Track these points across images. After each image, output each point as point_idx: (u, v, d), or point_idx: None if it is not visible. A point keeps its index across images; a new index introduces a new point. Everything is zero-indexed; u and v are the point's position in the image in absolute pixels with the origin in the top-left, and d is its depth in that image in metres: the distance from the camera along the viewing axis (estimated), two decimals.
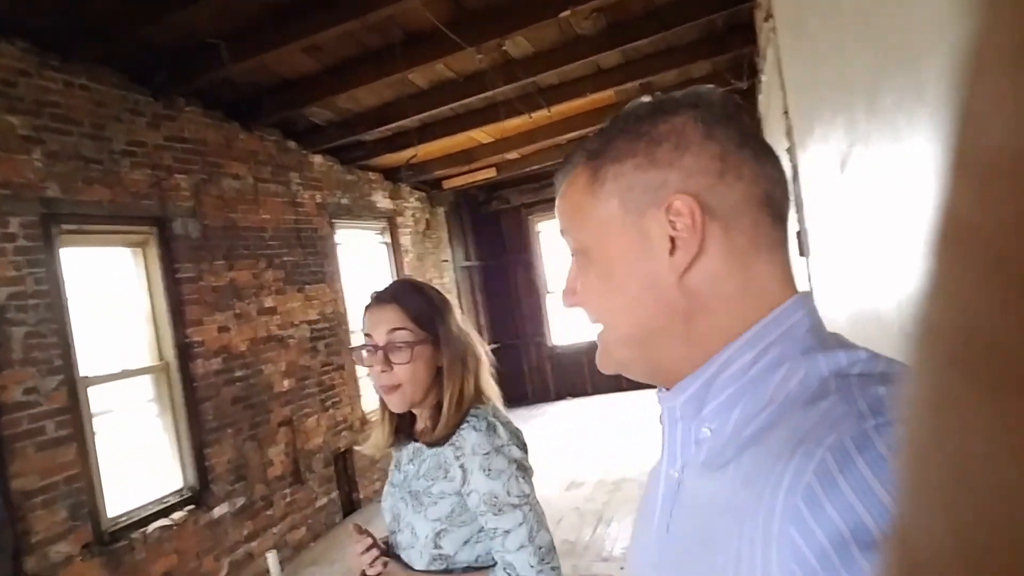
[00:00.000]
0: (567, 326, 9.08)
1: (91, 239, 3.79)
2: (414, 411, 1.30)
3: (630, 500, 4.65)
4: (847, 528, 0.38)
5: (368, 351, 1.25)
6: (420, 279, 1.51)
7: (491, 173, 7.49)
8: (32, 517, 3.17)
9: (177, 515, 3.91)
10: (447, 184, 7.66)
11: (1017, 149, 0.10)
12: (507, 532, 1.17)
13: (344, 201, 6.07)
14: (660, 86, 5.76)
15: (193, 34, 3.59)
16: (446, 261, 8.05)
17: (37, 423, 3.24)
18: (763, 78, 4.69)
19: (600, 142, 0.57)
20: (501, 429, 1.22)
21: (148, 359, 4.05)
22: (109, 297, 3.93)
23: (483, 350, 1.33)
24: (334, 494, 5.28)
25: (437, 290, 1.33)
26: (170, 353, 4.10)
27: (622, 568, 3.69)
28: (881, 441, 0.39)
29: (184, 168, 4.31)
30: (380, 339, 1.23)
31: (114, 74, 3.87)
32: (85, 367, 3.54)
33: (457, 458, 1.19)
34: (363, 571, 1.26)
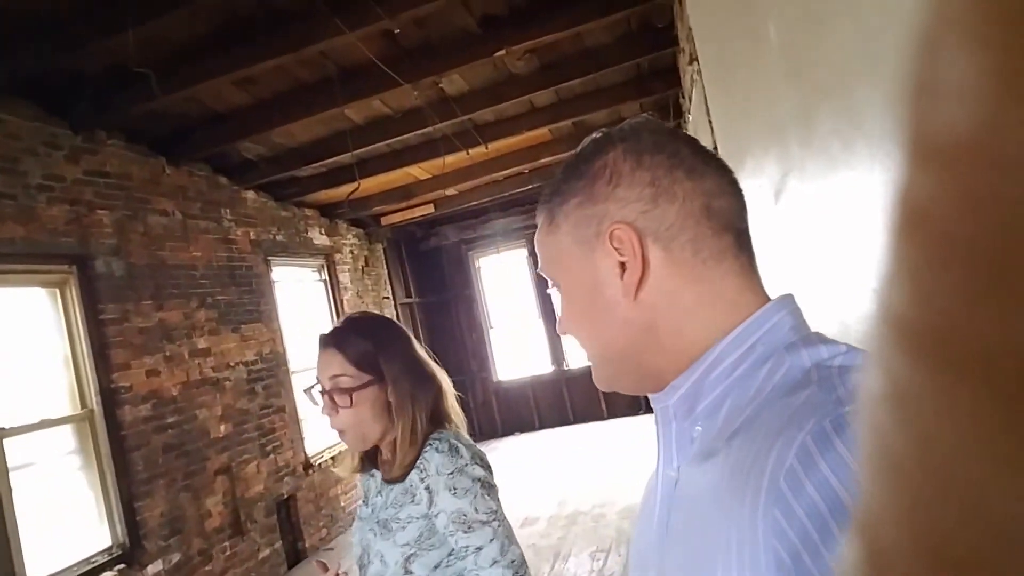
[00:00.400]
0: (511, 360, 9.08)
1: (5, 279, 3.54)
2: (378, 445, 1.31)
3: (586, 534, 4.63)
4: (826, 507, 0.39)
5: (320, 393, 1.27)
6: (374, 312, 1.52)
7: (429, 209, 7.52)
8: None
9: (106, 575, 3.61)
10: (385, 220, 7.63)
11: (976, 131, 0.10)
12: (479, 549, 1.18)
13: (280, 238, 5.93)
14: (592, 124, 5.98)
15: (117, 63, 3.47)
16: (387, 298, 7.95)
17: None
18: (689, 118, 4.94)
19: (552, 186, 0.64)
20: (463, 449, 1.24)
21: (69, 407, 3.78)
22: (25, 342, 3.66)
23: (443, 377, 1.35)
24: (278, 544, 5.00)
25: (388, 324, 1.35)
26: (94, 400, 3.83)
27: None
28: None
29: (107, 204, 4.12)
30: (325, 383, 1.25)
31: (29, 104, 3.69)
32: (0, 418, 3.27)
33: (422, 480, 1.20)
34: None
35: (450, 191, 7.05)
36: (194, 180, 4.95)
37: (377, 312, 7.01)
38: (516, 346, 9.10)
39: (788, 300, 0.57)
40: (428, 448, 1.22)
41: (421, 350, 1.35)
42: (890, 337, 0.12)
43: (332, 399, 1.23)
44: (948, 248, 0.11)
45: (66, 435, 3.74)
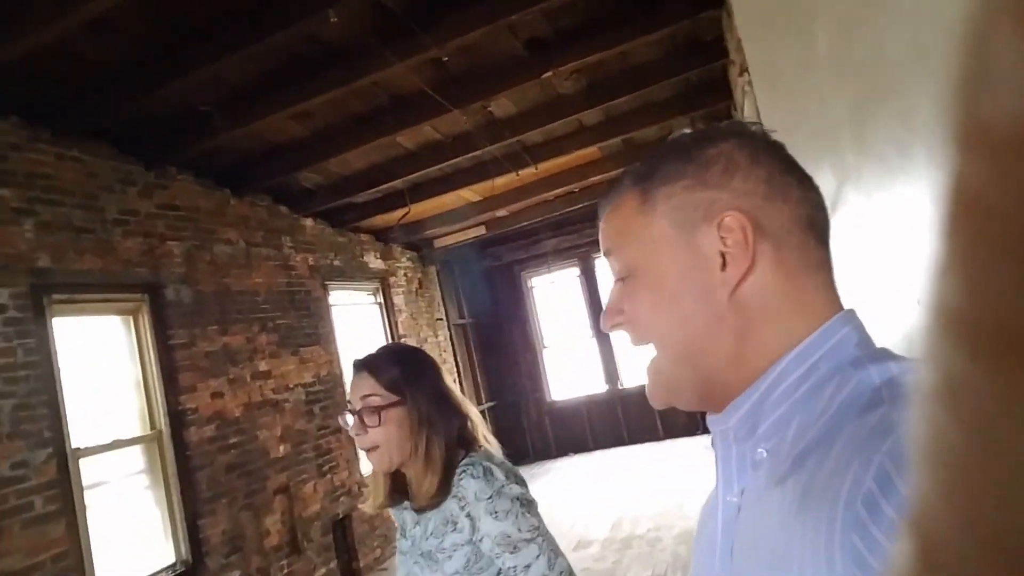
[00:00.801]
0: (565, 380, 9.01)
1: (83, 308, 3.78)
2: (404, 472, 1.35)
3: (641, 558, 4.51)
4: None
5: (351, 415, 1.33)
6: (410, 344, 1.61)
7: (481, 231, 7.60)
8: None
9: None
10: (438, 243, 7.76)
11: None
12: (527, 567, 1.21)
13: (336, 263, 6.12)
14: (642, 141, 5.94)
15: (184, 103, 3.69)
16: (440, 319, 8.05)
17: (25, 499, 3.14)
18: None
19: (649, 167, 0.60)
20: (497, 471, 1.26)
21: (139, 428, 3.98)
22: (100, 366, 3.89)
23: (471, 409, 1.40)
24: (333, 563, 5.09)
25: (419, 354, 1.43)
26: (162, 421, 4.02)
27: None
28: None
29: (176, 235, 4.36)
30: (356, 404, 1.31)
31: (105, 145, 3.96)
32: (77, 438, 3.47)
33: (462, 508, 1.23)
34: None
35: (501, 212, 7.11)
36: (256, 210, 5.18)
37: (413, 343, 7.14)
38: (569, 366, 9.04)
39: (851, 315, 0.55)
40: (463, 475, 1.25)
41: (450, 382, 1.41)
42: (945, 330, 0.12)
43: (362, 419, 1.28)
44: (1004, 238, 0.10)
45: (136, 455, 3.93)
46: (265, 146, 4.62)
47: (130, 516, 3.87)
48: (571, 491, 6.79)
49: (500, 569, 1.24)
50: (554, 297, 9.17)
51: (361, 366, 1.35)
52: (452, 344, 8.16)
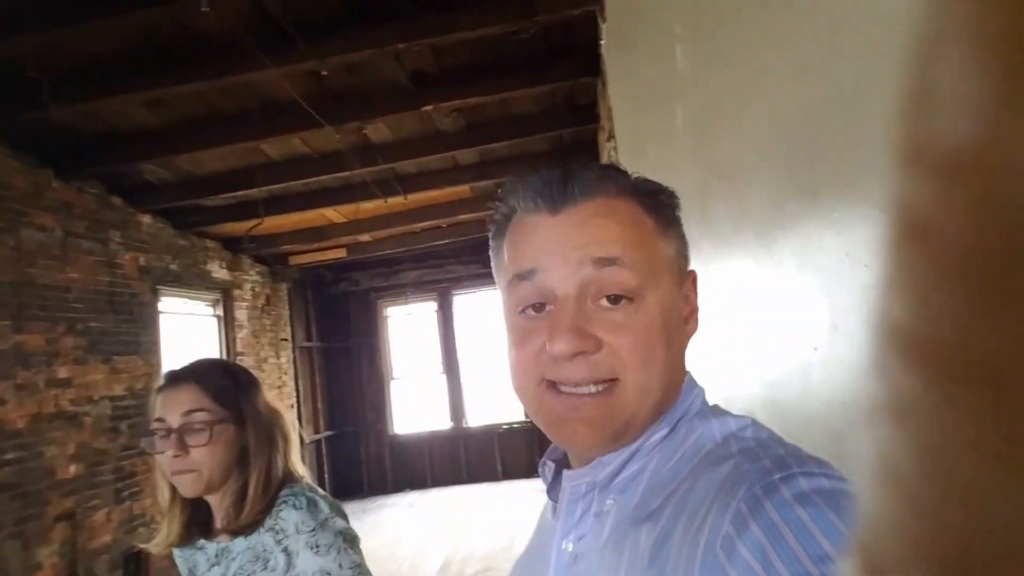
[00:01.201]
0: (409, 414, 8.84)
1: None
2: (209, 501, 1.20)
3: None
4: (760, 567, 0.39)
5: (161, 436, 1.15)
6: (224, 359, 1.45)
7: (341, 253, 7.35)
8: None
9: None
10: (294, 260, 7.38)
11: (981, 140, 0.10)
12: None
13: (173, 267, 5.58)
14: None
15: (11, 66, 3.23)
16: (285, 340, 7.59)
17: None
18: None
19: (667, 196, 0.58)
20: (322, 503, 1.17)
21: None
22: None
23: (293, 429, 1.29)
24: None
25: (244, 369, 1.30)
26: None
27: None
28: (787, 490, 0.42)
29: None
30: (174, 421, 1.14)
31: None
32: None
33: (279, 542, 1.12)
34: None
35: (364, 237, 6.93)
36: (83, 198, 4.60)
37: (250, 362, 6.66)
38: (416, 400, 8.89)
39: (691, 375, 0.59)
40: (283, 506, 1.14)
41: (271, 396, 1.29)
42: (891, 347, 0.12)
43: (181, 438, 1.13)
44: (948, 259, 0.11)
45: None
46: (105, 129, 4.14)
47: None
48: (404, 528, 6.59)
49: None
50: (409, 329, 9.03)
51: (183, 377, 1.19)
52: (295, 367, 7.71)
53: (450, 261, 8.39)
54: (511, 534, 5.77)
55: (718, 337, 1.30)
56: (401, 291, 8.81)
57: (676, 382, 0.56)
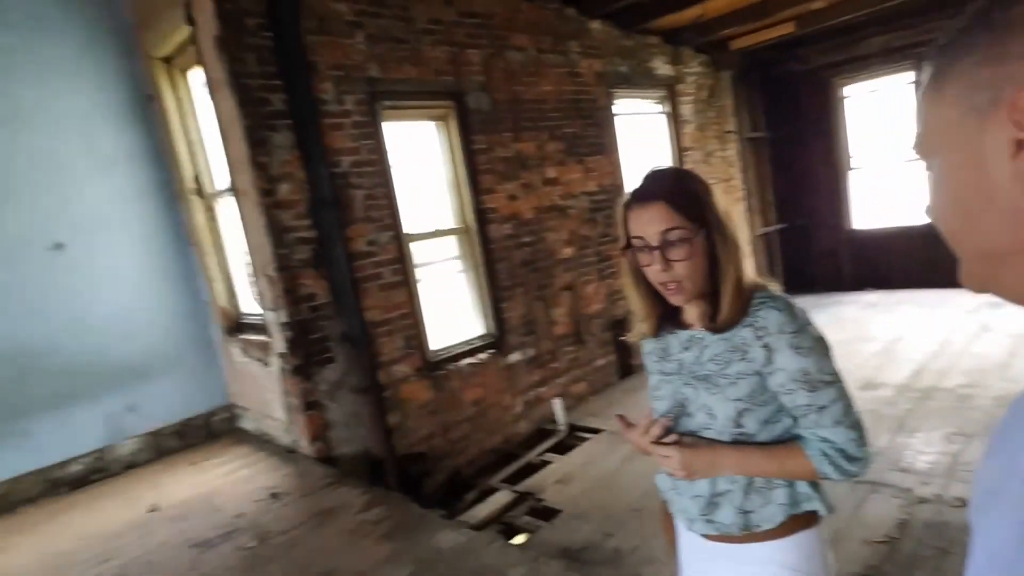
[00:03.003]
0: (872, 208, 7.84)
1: (405, 113, 4.32)
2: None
3: (943, 412, 3.99)
4: None
5: (643, 252, 1.21)
6: (674, 166, 1.39)
7: (788, 28, 6.52)
8: (379, 342, 3.97)
9: (481, 356, 4.55)
10: (735, 44, 6.92)
11: None
12: (821, 408, 1.16)
13: (622, 69, 5.91)
14: None
15: None
16: (730, 132, 7.44)
17: (377, 269, 3.96)
18: None
19: (948, 35, 0.52)
20: (797, 308, 1.19)
21: (453, 222, 4.62)
22: (420, 166, 4.51)
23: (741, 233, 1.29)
24: (611, 357, 5.58)
25: (698, 176, 1.26)
26: (470, 217, 4.60)
27: (925, 483, 3.26)
28: None
29: (475, 43, 4.59)
30: (653, 239, 1.18)
31: None
32: (408, 225, 4.18)
33: (759, 338, 1.17)
34: (654, 442, 1.25)
35: (817, 4, 5.95)
36: (545, 14, 5.14)
37: (698, 156, 6.62)
38: (881, 192, 7.77)
39: None
40: (762, 307, 1.18)
41: (724, 202, 1.28)
42: None
43: (663, 254, 1.18)
44: None
45: (451, 244, 4.62)
46: None
47: (449, 293, 4.65)
48: (863, 329, 6.18)
49: (780, 408, 1.20)
50: (873, 109, 7.70)
51: (650, 195, 1.20)
52: (742, 159, 7.56)
53: (928, 18, 6.60)
54: (1004, 351, 4.81)
55: None
56: (863, 64, 7.44)
57: None
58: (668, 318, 1.34)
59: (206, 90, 3.70)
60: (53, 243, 4.00)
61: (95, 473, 4.16)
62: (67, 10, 4.05)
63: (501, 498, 3.84)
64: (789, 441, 1.21)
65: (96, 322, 4.17)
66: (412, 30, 4.20)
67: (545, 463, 4.30)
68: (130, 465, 4.30)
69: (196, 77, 4.17)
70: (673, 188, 1.21)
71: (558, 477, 3.99)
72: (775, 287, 1.25)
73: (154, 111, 4.40)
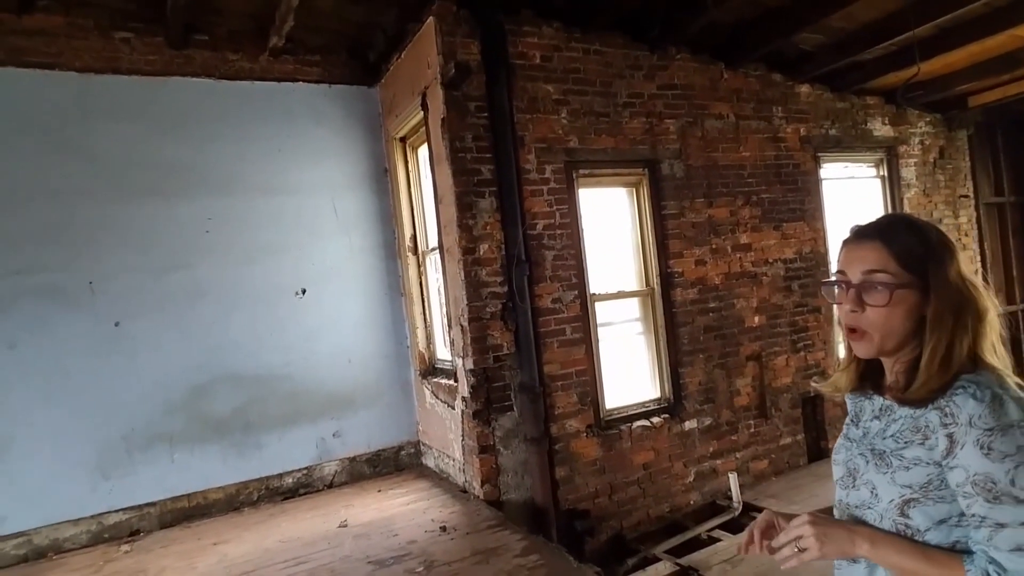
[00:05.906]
0: None
1: (599, 180, 4.57)
2: (883, 361, 1.16)
3: None
4: None
5: (840, 288, 1.13)
6: (919, 217, 1.24)
7: None
8: (555, 396, 4.19)
9: (655, 420, 4.55)
10: (973, 101, 6.19)
11: None
12: (1000, 526, 0.97)
13: (832, 132, 5.60)
14: None
15: None
16: (965, 196, 6.60)
17: (560, 325, 4.21)
18: None
19: None
20: (1012, 405, 0.98)
21: (636, 284, 4.73)
22: (609, 230, 4.71)
23: (993, 309, 1.10)
24: (800, 436, 5.20)
25: (938, 230, 1.14)
26: (654, 280, 4.68)
27: None
28: None
29: (672, 113, 4.72)
30: (855, 277, 1.11)
31: (619, 36, 4.48)
32: (593, 286, 4.39)
33: (945, 426, 1.01)
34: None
35: None
36: (748, 81, 5.12)
37: (949, 215, 5.93)
38: None
39: None
40: (960, 391, 1.00)
41: (971, 268, 1.13)
42: None
43: (859, 295, 1.09)
44: None
45: (634, 306, 4.72)
46: (759, 11, 4.44)
47: (628, 354, 4.74)
48: None
49: (963, 512, 1.02)
50: None
51: (867, 233, 1.12)
52: (979, 227, 6.65)
53: None
54: None
55: None
56: None
57: None
58: (872, 378, 1.21)
59: (428, 163, 4.30)
60: (300, 289, 4.85)
61: (302, 487, 4.82)
62: (335, 105, 4.97)
63: (662, 568, 3.78)
64: (956, 552, 1.02)
65: (321, 356, 4.89)
66: (613, 104, 4.47)
67: (713, 539, 4.13)
68: (330, 484, 4.89)
69: (423, 153, 4.84)
70: (896, 231, 1.11)
71: (726, 556, 3.82)
72: (998, 374, 1.04)
73: (388, 181, 5.17)
